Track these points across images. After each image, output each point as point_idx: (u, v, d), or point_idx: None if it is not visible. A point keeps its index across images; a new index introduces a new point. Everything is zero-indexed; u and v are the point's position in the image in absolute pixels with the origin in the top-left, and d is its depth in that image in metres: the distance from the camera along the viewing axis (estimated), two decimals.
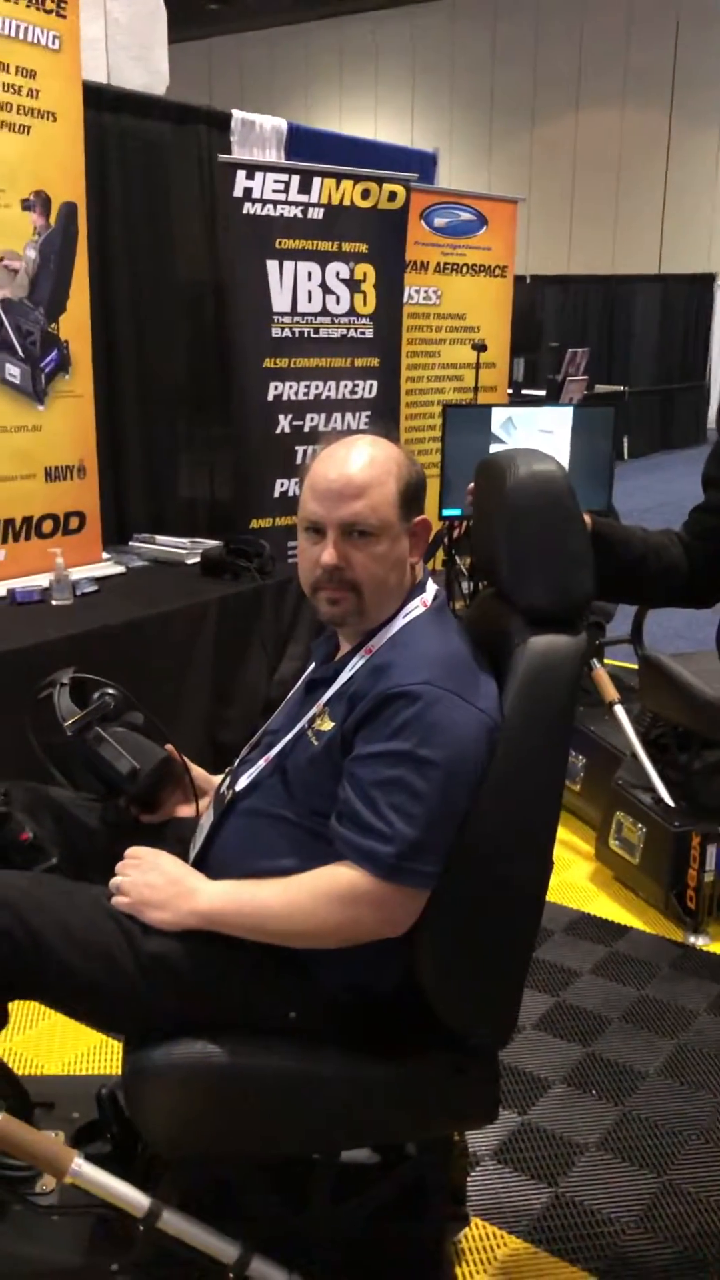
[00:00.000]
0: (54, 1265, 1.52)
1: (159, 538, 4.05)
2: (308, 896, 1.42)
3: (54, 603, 3.27)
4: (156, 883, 1.46)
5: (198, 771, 1.76)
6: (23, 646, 2.89)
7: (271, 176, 4.20)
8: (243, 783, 1.59)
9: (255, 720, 3.16)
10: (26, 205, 3.33)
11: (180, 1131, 1.48)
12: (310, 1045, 1.47)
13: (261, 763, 1.59)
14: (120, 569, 3.74)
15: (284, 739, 1.57)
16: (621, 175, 14.81)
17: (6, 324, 3.32)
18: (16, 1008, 1.65)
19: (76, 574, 3.44)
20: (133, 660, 3.08)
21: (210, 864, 1.55)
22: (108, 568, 3.71)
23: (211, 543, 3.87)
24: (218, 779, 1.72)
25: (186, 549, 3.91)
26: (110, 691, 1.69)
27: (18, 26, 3.20)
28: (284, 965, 1.46)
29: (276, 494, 4.36)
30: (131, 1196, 1.44)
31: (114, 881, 1.49)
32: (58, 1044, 2.39)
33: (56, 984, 1.47)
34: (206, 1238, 1.46)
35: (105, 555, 3.80)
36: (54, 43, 3.31)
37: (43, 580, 3.35)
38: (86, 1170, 1.44)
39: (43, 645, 2.92)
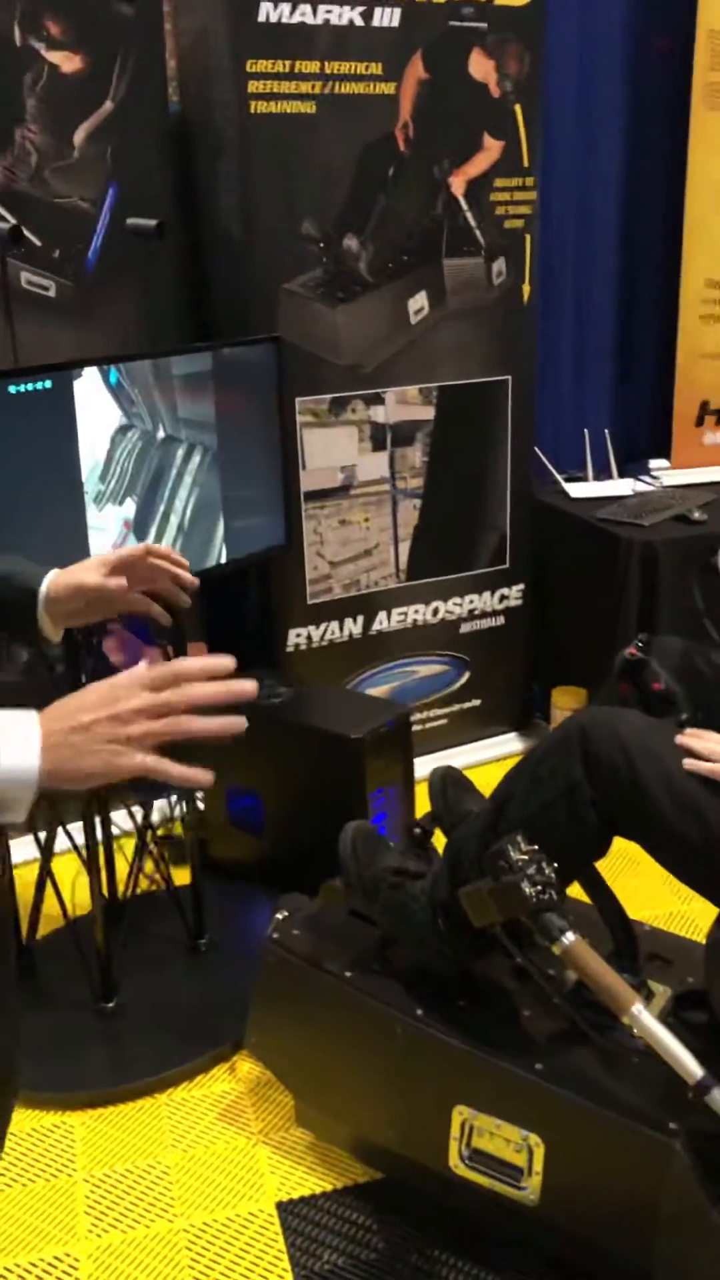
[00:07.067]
0: (617, 1100, 1.55)
1: None
2: None
3: None
4: None
5: None
6: None
7: None
8: None
9: None
10: None
11: None
12: None
13: None
14: None
15: None
16: None
17: None
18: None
19: None
20: None
21: None
22: None
23: None
24: None
25: None
26: None
27: None
28: None
29: None
30: (684, 1060, 1.43)
31: (707, 748, 1.48)
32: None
33: (648, 828, 1.50)
34: None
35: None
36: None
37: None
38: (644, 1018, 1.44)
39: None
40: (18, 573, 1.42)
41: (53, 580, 1.40)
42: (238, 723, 0.97)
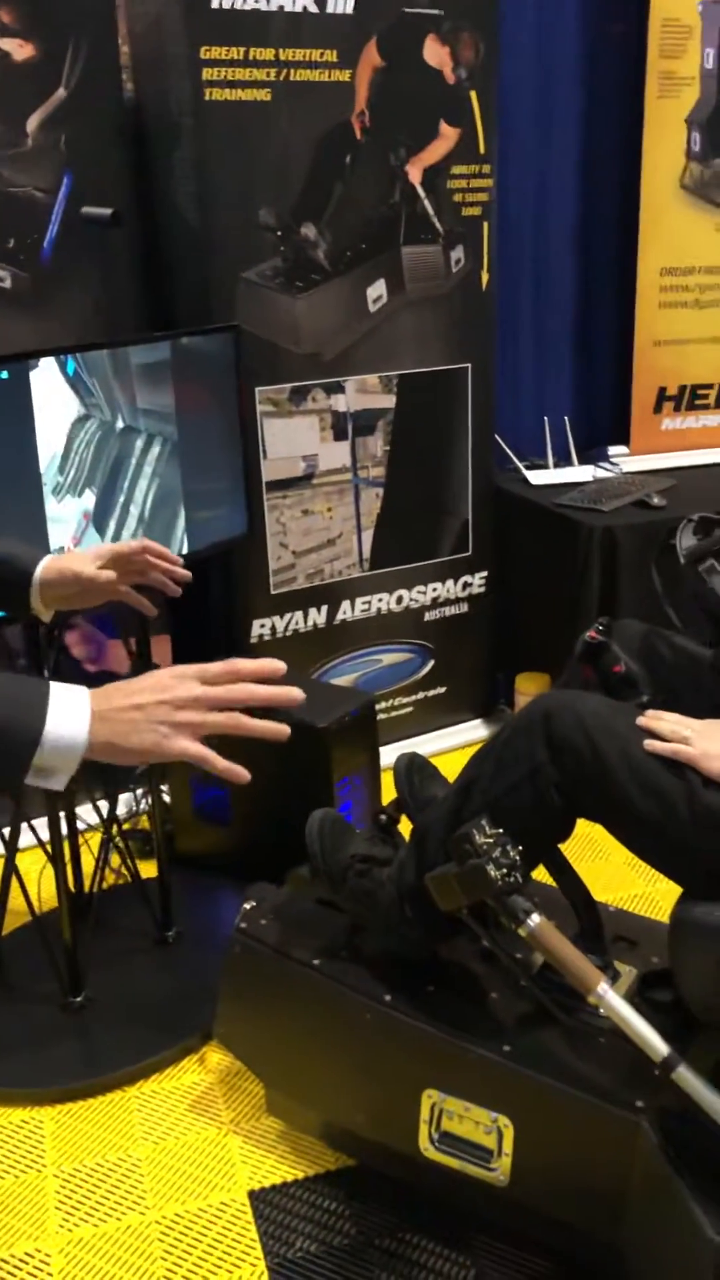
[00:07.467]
0: (584, 1080, 1.56)
1: None
2: None
3: None
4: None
5: None
6: None
7: None
8: None
9: None
10: None
11: (711, 995, 1.47)
12: None
13: None
14: None
15: None
16: None
17: None
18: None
19: None
20: None
21: None
22: None
23: None
24: None
25: None
26: None
27: None
28: None
29: None
30: (650, 1039, 1.44)
31: (668, 729, 1.49)
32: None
33: (611, 809, 1.50)
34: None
35: None
36: None
37: None
38: (610, 998, 1.46)
39: None
40: (13, 554, 1.50)
41: (46, 565, 1.47)
42: (283, 729, 1.01)
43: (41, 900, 2.32)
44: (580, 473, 3.32)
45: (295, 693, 1.02)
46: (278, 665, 1.03)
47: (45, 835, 2.15)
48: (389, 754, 2.40)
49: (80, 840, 2.30)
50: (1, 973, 2.30)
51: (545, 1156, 1.60)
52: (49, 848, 2.15)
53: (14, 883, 2.27)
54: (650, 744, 1.49)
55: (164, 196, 2.70)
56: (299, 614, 2.96)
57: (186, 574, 1.59)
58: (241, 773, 1.01)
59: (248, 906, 1.95)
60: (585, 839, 1.65)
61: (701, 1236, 1.38)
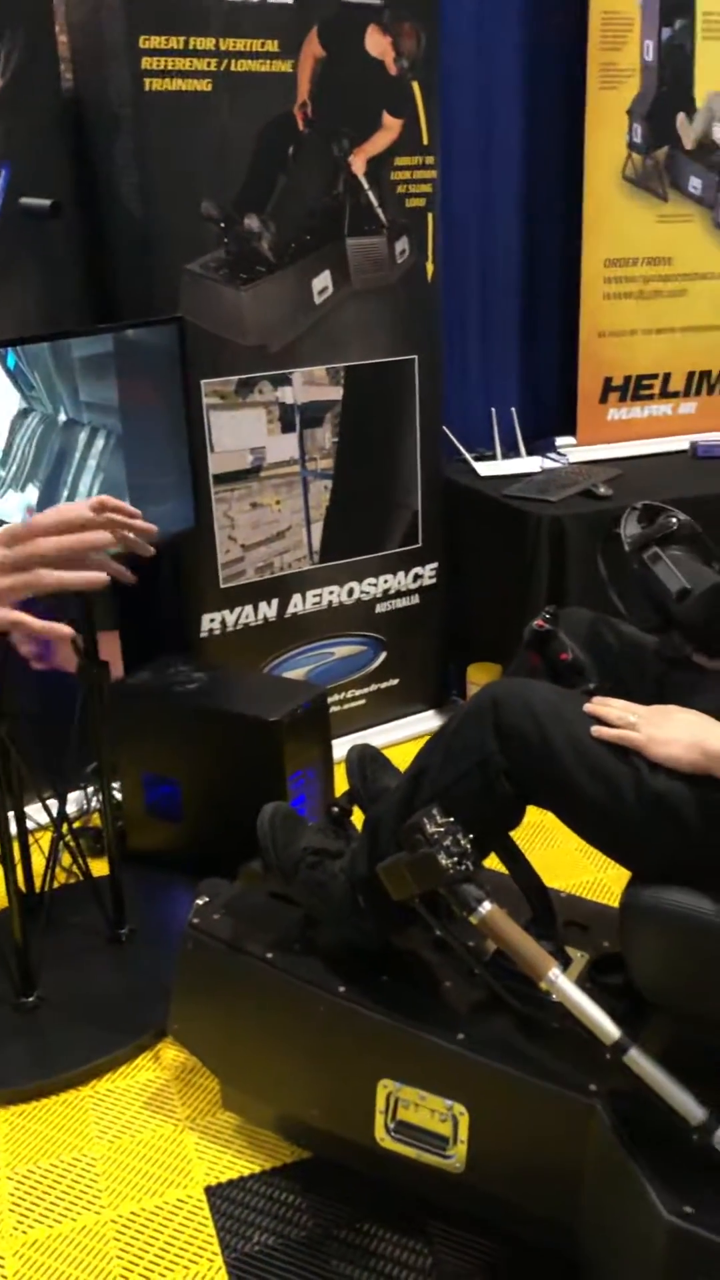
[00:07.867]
0: (538, 1066, 1.56)
1: None
2: None
3: None
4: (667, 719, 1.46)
5: None
6: (699, 496, 2.87)
7: None
8: None
9: None
10: None
11: (660, 978, 1.49)
12: None
13: None
14: None
15: None
16: None
17: None
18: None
19: None
20: None
21: None
22: None
23: None
24: None
25: None
26: (680, 518, 1.69)
27: None
28: None
29: None
30: (602, 1023, 1.45)
31: (615, 715, 1.49)
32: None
33: (560, 795, 1.51)
34: (672, 1089, 1.44)
35: None
36: None
37: None
38: (561, 983, 1.47)
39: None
40: None
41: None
42: (96, 577, 1.00)
43: None
44: (528, 463, 3.34)
45: (101, 536, 1.01)
46: (79, 512, 1.02)
47: None
48: (341, 746, 2.40)
49: (30, 839, 2.28)
50: None
51: (501, 1142, 1.61)
52: None
53: None
54: (598, 730, 1.50)
55: (105, 188, 2.67)
56: (249, 608, 2.94)
57: (150, 527, 1.56)
58: (62, 629, 0.98)
59: (200, 902, 1.94)
60: (536, 826, 1.66)
61: (655, 1216, 1.40)
